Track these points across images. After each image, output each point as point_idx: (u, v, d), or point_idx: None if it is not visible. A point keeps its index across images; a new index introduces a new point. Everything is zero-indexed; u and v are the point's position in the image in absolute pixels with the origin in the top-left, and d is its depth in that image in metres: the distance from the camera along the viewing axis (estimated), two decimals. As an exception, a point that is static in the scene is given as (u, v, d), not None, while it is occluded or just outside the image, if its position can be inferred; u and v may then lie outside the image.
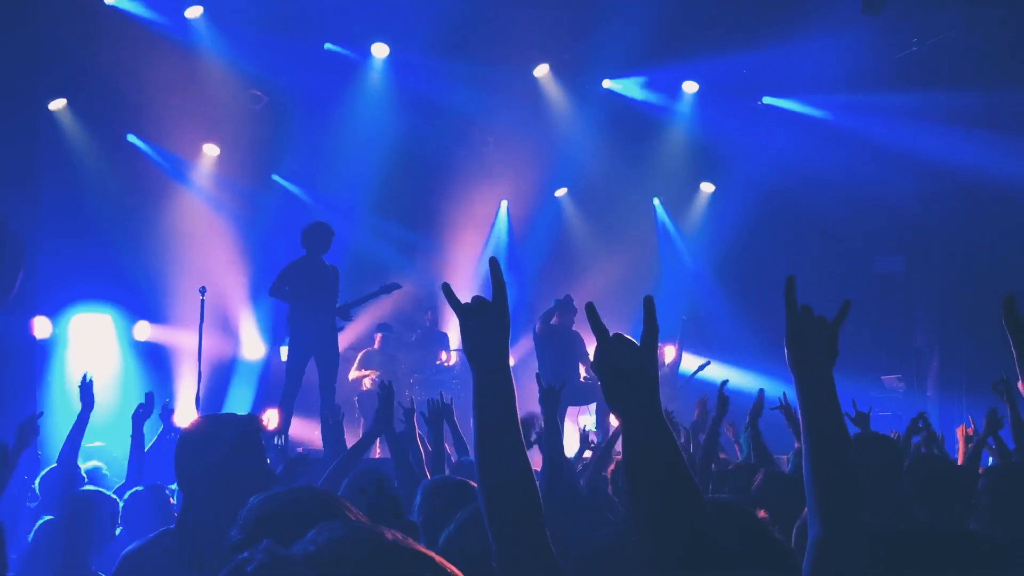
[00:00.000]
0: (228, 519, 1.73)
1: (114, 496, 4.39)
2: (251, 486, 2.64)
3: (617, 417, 1.61)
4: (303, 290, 8.32)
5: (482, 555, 1.81)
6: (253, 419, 2.95)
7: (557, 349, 9.67)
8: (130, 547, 2.81)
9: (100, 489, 4.45)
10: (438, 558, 1.13)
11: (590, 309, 1.75)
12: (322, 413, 7.81)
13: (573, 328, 9.88)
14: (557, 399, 4.35)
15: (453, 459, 5.53)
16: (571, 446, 8.60)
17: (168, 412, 6.64)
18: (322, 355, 8.49)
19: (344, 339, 11.84)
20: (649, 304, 1.65)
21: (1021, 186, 11.03)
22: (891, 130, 12.02)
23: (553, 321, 9.90)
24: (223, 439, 2.73)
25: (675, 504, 1.47)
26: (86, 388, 5.20)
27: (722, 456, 5.68)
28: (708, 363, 11.61)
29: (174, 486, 5.22)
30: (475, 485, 3.10)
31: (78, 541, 4.05)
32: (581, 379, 9.78)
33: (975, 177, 11.50)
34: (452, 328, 13.23)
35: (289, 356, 8.62)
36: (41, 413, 4.33)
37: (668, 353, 11.64)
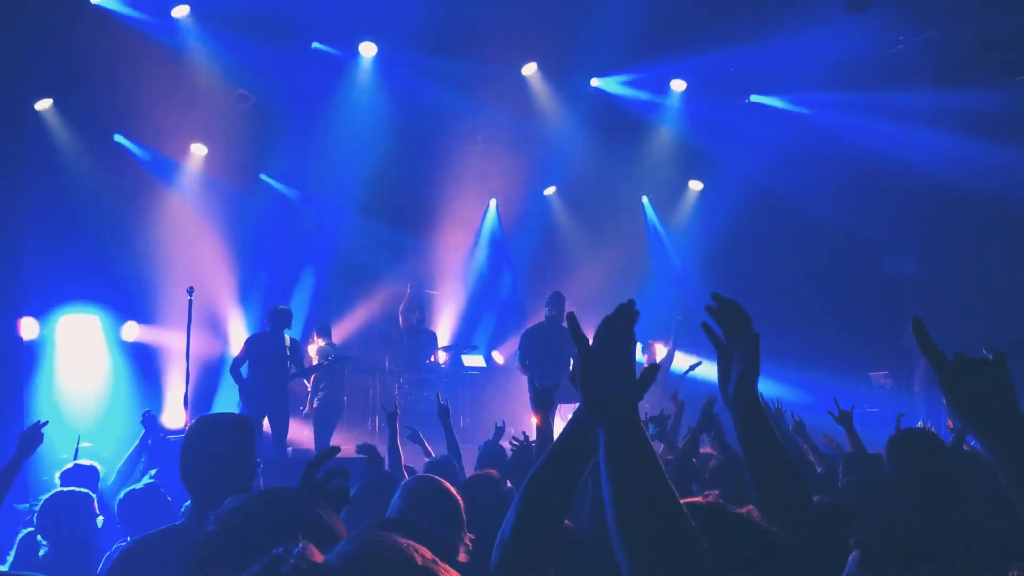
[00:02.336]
0: None
1: (88, 492, 4.36)
2: (244, 486, 2.70)
3: (596, 428, 1.58)
4: (260, 365, 9.39)
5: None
6: (248, 420, 3.01)
7: (542, 347, 9.60)
8: (126, 543, 2.80)
9: (72, 488, 4.41)
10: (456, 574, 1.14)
11: (571, 319, 1.70)
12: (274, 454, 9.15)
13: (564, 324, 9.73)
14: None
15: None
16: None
17: (150, 419, 6.52)
18: (274, 415, 9.53)
19: (336, 337, 11.85)
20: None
21: (1004, 185, 11.11)
22: (877, 127, 12.08)
23: (541, 319, 9.89)
24: (228, 440, 2.84)
25: (655, 513, 1.46)
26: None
27: (703, 451, 5.69)
28: (700, 363, 11.63)
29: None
30: (453, 490, 3.14)
31: (62, 543, 4.04)
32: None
33: (961, 177, 11.57)
34: (440, 327, 13.24)
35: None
36: (46, 422, 4.28)
37: (659, 351, 11.65)
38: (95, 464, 5.58)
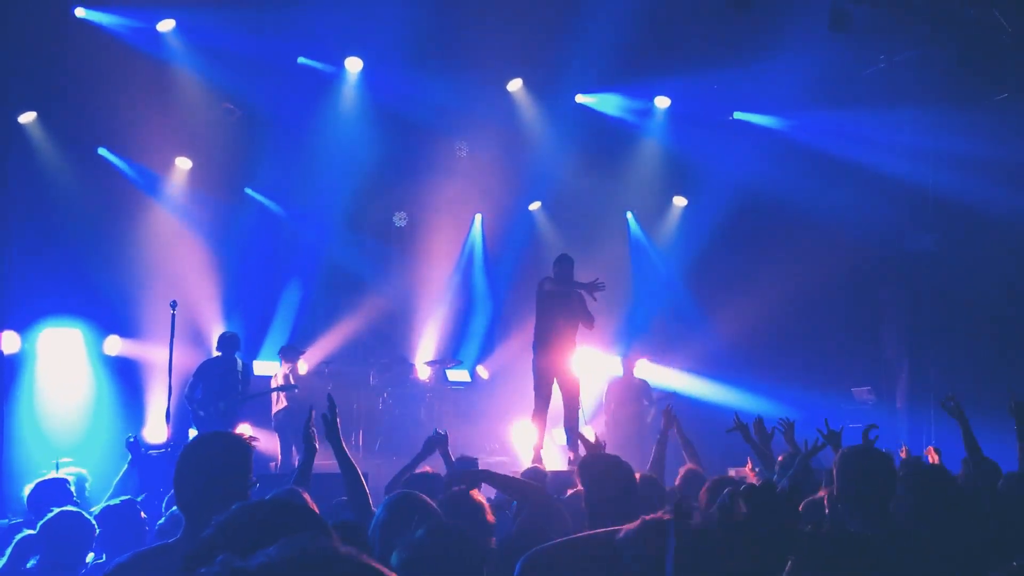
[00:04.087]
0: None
1: (92, 519, 4.34)
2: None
3: None
4: (212, 390, 9.57)
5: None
6: (243, 440, 2.98)
7: (545, 309, 9.14)
8: (111, 566, 2.78)
9: (81, 511, 4.39)
10: (389, 572, 1.16)
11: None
12: None
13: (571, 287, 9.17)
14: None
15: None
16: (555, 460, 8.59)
17: (134, 445, 6.45)
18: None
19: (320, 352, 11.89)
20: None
21: (990, 197, 11.25)
22: (858, 145, 12.19)
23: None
24: (224, 459, 2.84)
25: None
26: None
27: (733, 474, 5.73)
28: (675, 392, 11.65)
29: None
30: (432, 502, 3.18)
31: (54, 560, 4.02)
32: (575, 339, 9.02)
33: (946, 191, 11.70)
34: (425, 342, 13.22)
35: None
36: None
37: (641, 365, 11.63)
38: (72, 473, 5.55)
